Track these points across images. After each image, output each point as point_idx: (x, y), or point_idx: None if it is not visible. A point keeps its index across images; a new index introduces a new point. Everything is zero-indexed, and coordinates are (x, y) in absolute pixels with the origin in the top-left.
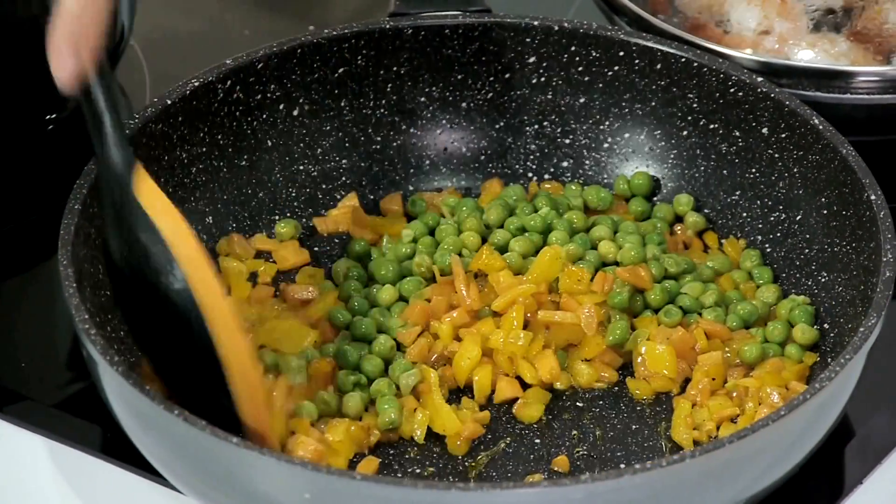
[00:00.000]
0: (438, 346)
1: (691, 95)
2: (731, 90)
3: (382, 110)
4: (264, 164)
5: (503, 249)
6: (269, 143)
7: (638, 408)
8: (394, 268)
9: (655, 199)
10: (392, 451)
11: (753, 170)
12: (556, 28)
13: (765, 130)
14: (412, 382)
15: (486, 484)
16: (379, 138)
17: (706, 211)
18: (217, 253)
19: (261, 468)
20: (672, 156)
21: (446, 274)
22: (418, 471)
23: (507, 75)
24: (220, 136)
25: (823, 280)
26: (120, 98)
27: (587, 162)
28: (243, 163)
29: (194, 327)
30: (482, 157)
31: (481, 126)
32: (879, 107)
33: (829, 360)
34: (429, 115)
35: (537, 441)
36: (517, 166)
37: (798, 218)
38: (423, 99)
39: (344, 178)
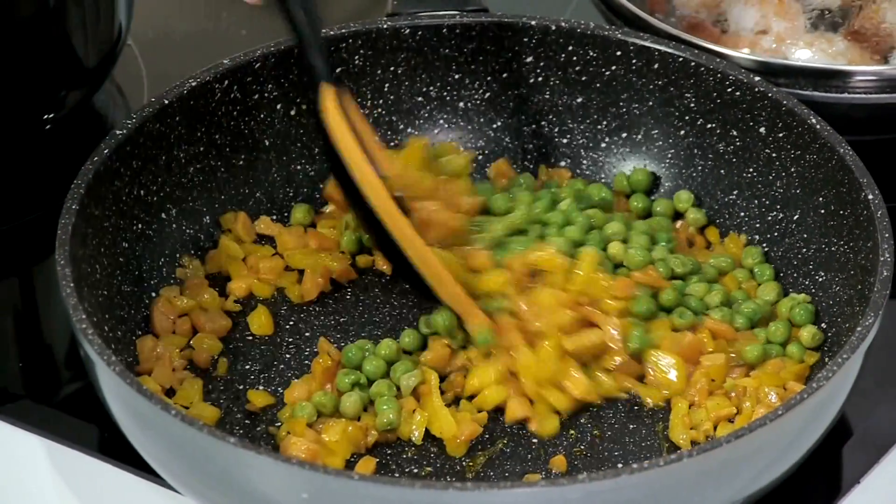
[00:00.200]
0: (460, 357)
1: (689, 95)
2: (729, 90)
3: (380, 110)
4: (262, 163)
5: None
6: (267, 143)
7: (635, 408)
8: None
9: (653, 197)
10: (390, 451)
11: (751, 169)
12: (554, 28)
13: (762, 130)
14: (413, 384)
15: (484, 484)
16: (377, 138)
17: (704, 210)
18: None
19: (258, 468)
20: (669, 155)
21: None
22: (416, 471)
23: (504, 75)
24: (217, 136)
25: (821, 279)
26: (316, 15)
27: (584, 161)
28: (241, 162)
29: None
30: (480, 157)
31: (479, 126)
32: (877, 106)
33: (827, 359)
34: (426, 114)
35: (535, 441)
36: (514, 166)
37: (796, 217)
38: (420, 99)
39: None
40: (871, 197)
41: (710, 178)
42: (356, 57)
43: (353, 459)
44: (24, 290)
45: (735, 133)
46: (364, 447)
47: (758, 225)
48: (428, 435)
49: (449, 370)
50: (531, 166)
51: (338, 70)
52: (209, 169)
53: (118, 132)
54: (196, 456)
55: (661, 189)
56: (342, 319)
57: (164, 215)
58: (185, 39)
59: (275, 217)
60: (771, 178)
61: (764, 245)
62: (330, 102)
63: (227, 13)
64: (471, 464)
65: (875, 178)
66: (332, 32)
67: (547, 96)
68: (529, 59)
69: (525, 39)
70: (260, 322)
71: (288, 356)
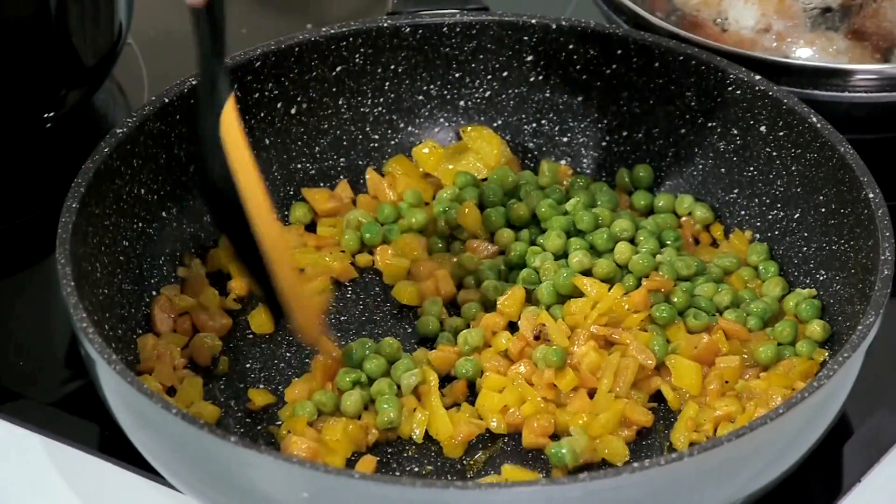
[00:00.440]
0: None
1: (689, 93)
2: (729, 88)
3: (380, 108)
4: (262, 162)
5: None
6: (267, 142)
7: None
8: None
9: (654, 194)
10: (390, 450)
11: (751, 168)
12: (554, 26)
13: (763, 128)
14: (413, 383)
15: (484, 482)
16: (377, 136)
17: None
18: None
19: (259, 467)
20: (670, 154)
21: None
22: (416, 469)
23: (504, 73)
24: None
25: (822, 278)
26: (223, 35)
27: (585, 160)
28: None
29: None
30: None
31: (480, 124)
32: (877, 105)
33: (828, 358)
34: (427, 113)
35: None
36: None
37: (796, 216)
38: (420, 97)
39: (342, 177)
40: (871, 195)
41: (710, 177)
42: (356, 55)
43: (353, 458)
44: (25, 288)
45: (735, 131)
46: (365, 446)
47: (758, 223)
48: (429, 434)
49: (453, 373)
50: (532, 165)
51: (338, 69)
52: None
53: (119, 131)
54: (197, 455)
55: (663, 187)
56: (342, 318)
57: (164, 214)
58: (185, 38)
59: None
60: (771, 176)
61: (764, 244)
62: (233, 115)
63: (227, 12)
64: (471, 462)
65: (876, 176)
66: (332, 31)
67: (547, 95)
68: (530, 58)
69: (525, 38)
70: (260, 320)
71: (288, 355)
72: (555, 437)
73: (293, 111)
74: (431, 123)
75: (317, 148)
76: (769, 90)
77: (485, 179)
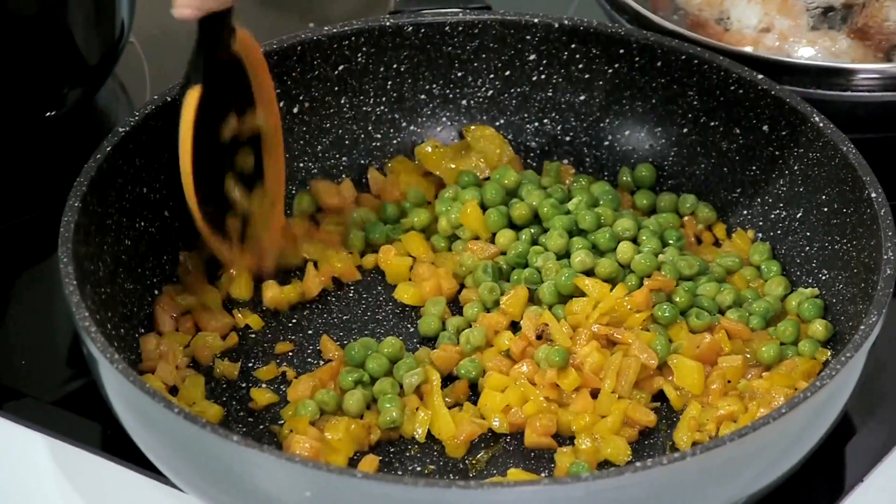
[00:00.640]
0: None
1: (692, 93)
2: (732, 87)
3: (383, 108)
4: None
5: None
6: None
7: None
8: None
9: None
10: (393, 450)
11: (754, 167)
12: (557, 25)
13: (765, 128)
14: (415, 382)
15: (487, 482)
16: (379, 136)
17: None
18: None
19: (261, 466)
20: (672, 153)
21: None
22: (419, 469)
23: (507, 73)
24: None
25: (824, 277)
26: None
27: (587, 160)
28: None
29: None
30: None
31: (482, 123)
32: (880, 104)
33: (830, 357)
34: (429, 112)
35: None
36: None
37: (799, 215)
38: (423, 96)
39: (344, 176)
40: (874, 195)
41: (712, 177)
42: (359, 55)
43: (356, 457)
44: (27, 287)
45: (738, 131)
46: (367, 445)
47: (761, 223)
48: (431, 433)
49: (455, 373)
50: (534, 164)
51: (340, 68)
52: None
53: (121, 129)
54: (199, 454)
55: (665, 186)
56: (345, 317)
57: (166, 212)
58: (187, 37)
59: None
60: (774, 175)
61: (767, 243)
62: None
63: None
64: (474, 462)
65: (878, 176)
66: (335, 30)
67: (550, 94)
68: (532, 57)
69: (528, 37)
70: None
71: (291, 354)
72: (557, 436)
73: (295, 110)
74: (434, 123)
75: (319, 147)
76: (772, 89)
77: (487, 179)
